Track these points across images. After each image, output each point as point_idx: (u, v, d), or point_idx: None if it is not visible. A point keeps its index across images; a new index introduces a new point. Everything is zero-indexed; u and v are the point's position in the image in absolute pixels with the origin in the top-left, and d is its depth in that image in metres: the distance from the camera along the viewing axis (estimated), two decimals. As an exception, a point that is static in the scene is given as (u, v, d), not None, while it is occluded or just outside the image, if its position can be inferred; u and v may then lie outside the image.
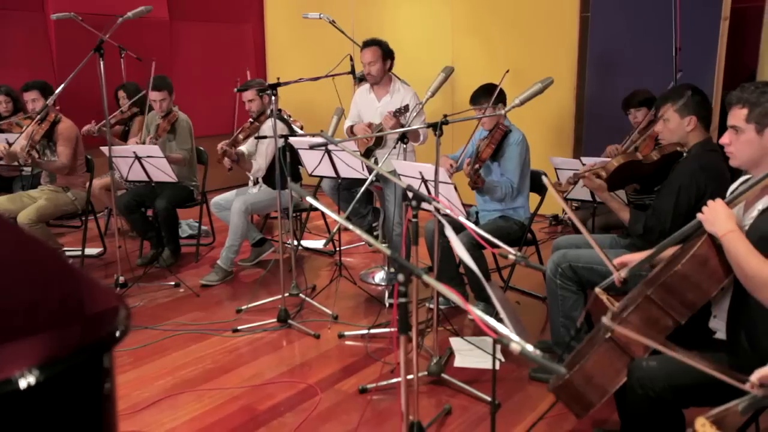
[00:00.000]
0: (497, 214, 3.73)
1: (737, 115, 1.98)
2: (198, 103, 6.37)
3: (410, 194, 2.20)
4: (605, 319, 1.94)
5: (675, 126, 2.78)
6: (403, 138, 3.20)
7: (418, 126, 2.96)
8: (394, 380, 2.93)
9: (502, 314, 1.62)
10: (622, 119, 4.36)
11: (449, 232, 1.67)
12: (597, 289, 2.24)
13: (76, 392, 0.91)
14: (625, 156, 2.93)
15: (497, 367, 3.12)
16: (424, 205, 2.23)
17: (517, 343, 1.46)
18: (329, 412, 2.74)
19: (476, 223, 3.82)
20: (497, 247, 2.21)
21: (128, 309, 1.00)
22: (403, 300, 1.71)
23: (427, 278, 1.62)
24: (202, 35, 7.09)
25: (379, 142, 4.21)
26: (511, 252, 2.15)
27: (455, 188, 3.13)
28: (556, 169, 4.02)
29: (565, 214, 5.03)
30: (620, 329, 1.73)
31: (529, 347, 1.45)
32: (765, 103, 1.93)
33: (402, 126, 3.77)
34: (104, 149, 3.94)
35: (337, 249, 4.38)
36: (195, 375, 3.06)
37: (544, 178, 2.70)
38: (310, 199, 1.82)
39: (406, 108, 3.93)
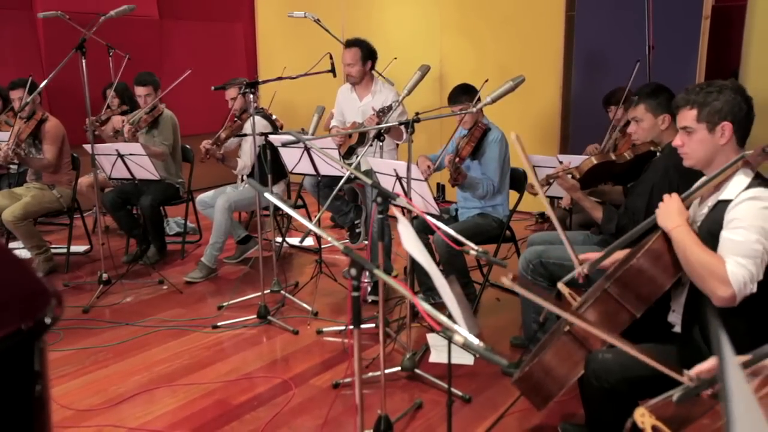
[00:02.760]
0: (476, 211, 3.76)
1: (687, 117, 2.02)
2: (188, 101, 6.40)
3: (374, 191, 2.24)
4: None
5: (649, 125, 2.82)
6: (379, 136, 3.23)
7: (391, 123, 2.99)
8: (368, 375, 2.96)
9: (450, 307, 1.64)
10: (608, 117, 4.39)
11: (401, 226, 1.70)
12: (559, 284, 2.27)
13: (6, 376, 0.94)
14: (599, 156, 2.97)
15: (470, 362, 3.16)
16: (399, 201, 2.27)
17: (460, 335, 1.50)
18: (302, 407, 2.77)
19: (455, 219, 3.86)
20: (461, 244, 2.25)
21: (60, 299, 1.03)
22: (355, 294, 1.74)
23: (377, 272, 1.66)
24: (193, 34, 7.12)
25: (362, 140, 4.25)
26: (473, 248, 2.19)
27: (428, 185, 3.16)
28: (533, 166, 4.04)
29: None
30: (571, 318, 1.75)
31: (473, 339, 1.49)
32: (712, 102, 1.96)
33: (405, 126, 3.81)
34: (87, 147, 3.97)
35: (321, 246, 4.41)
36: (172, 370, 3.09)
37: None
38: (268, 196, 1.86)
39: (390, 108, 3.96)
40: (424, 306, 1.54)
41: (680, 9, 4.84)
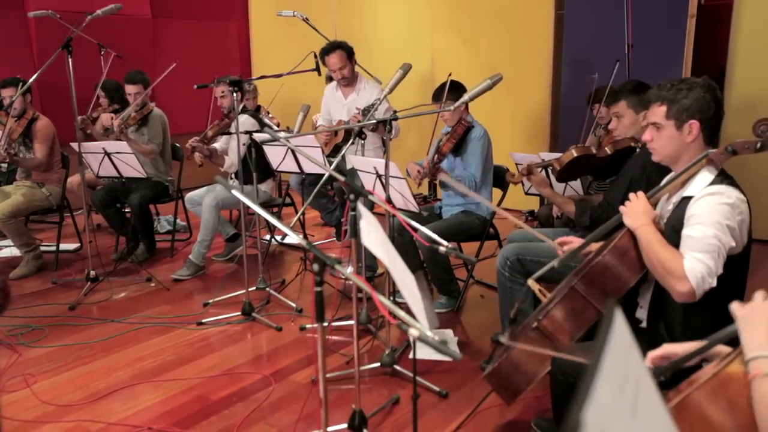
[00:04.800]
0: (460, 209, 3.78)
1: (657, 113, 2.04)
2: (180, 100, 6.43)
3: (346, 188, 2.26)
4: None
5: (629, 122, 2.85)
6: (360, 134, 3.26)
7: (368, 122, 3.01)
8: (347, 371, 2.99)
9: (408, 301, 1.67)
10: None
11: (364, 222, 1.73)
12: (530, 281, 2.29)
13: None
14: (580, 149, 2.99)
15: (450, 358, 3.18)
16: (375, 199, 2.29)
17: (416, 329, 1.52)
18: (280, 402, 2.80)
19: (439, 217, 3.88)
20: (434, 241, 2.28)
21: (6, 291, 1.06)
22: (318, 289, 1.77)
23: (339, 267, 1.68)
24: (186, 33, 7.14)
25: (348, 138, 4.27)
26: (443, 244, 2.21)
27: (407, 183, 3.18)
28: (516, 164, 4.07)
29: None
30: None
31: (429, 332, 1.52)
32: (682, 99, 1.98)
33: (381, 124, 3.83)
34: (74, 145, 3.99)
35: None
36: (154, 366, 3.12)
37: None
38: (236, 193, 1.88)
39: (373, 106, 3.98)
40: (381, 300, 1.56)
41: (666, 7, 4.86)
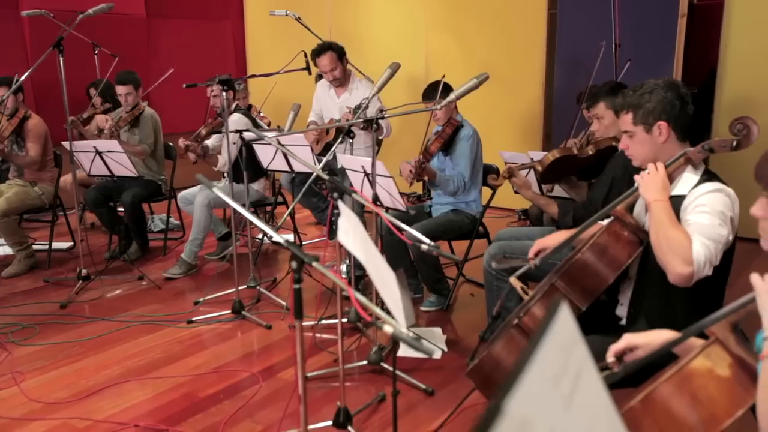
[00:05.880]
0: (449, 207, 3.79)
1: (625, 121, 2.06)
2: (175, 99, 6.43)
3: (329, 187, 2.27)
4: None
5: (609, 122, 2.87)
6: (349, 132, 3.27)
7: (354, 120, 3.03)
8: (334, 369, 3.00)
9: (384, 298, 1.68)
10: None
11: (341, 220, 1.74)
12: (511, 279, 2.31)
13: None
14: (561, 150, 3.01)
15: (438, 356, 3.21)
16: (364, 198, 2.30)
17: (390, 326, 1.53)
18: (267, 399, 2.81)
19: (429, 215, 3.89)
20: (418, 240, 2.29)
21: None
22: (297, 286, 1.78)
23: (316, 264, 1.69)
24: (180, 32, 7.15)
25: (339, 137, 4.28)
26: (425, 242, 2.22)
27: (394, 182, 3.20)
28: (505, 162, 4.08)
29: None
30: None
31: (403, 329, 1.53)
32: (645, 103, 2.00)
33: (368, 122, 3.84)
34: (65, 144, 4.01)
35: (303, 243, 4.46)
36: (142, 364, 3.13)
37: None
38: (216, 190, 1.89)
39: (365, 105, 3.99)
40: (357, 296, 1.58)
41: (657, 7, 4.87)
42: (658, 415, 1.20)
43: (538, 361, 0.61)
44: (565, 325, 0.74)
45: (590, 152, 2.95)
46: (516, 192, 4.37)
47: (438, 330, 3.51)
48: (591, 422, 0.66)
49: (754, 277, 1.24)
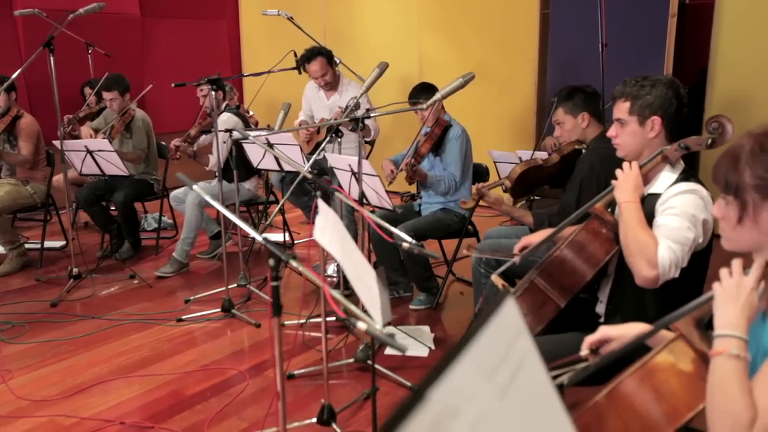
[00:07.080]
0: (438, 206, 3.81)
1: (621, 108, 2.07)
2: (170, 99, 6.44)
3: (311, 186, 2.29)
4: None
5: (571, 126, 2.91)
6: (337, 131, 3.28)
7: (340, 120, 3.04)
8: (320, 367, 3.01)
9: (360, 295, 1.70)
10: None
11: (319, 218, 1.75)
12: (493, 276, 2.32)
13: None
14: (525, 163, 3.05)
15: (425, 354, 3.22)
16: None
17: (364, 323, 1.55)
18: (253, 397, 2.83)
19: (419, 214, 3.91)
20: (400, 238, 2.30)
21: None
22: (275, 284, 1.79)
23: (293, 263, 1.71)
24: (175, 32, 7.15)
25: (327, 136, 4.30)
26: (407, 240, 2.23)
27: (381, 181, 3.21)
28: (494, 162, 4.10)
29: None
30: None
31: (377, 326, 1.55)
32: (645, 96, 2.02)
33: (354, 122, 3.86)
34: (57, 143, 4.02)
35: (295, 242, 4.47)
36: (131, 362, 3.15)
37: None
38: (196, 188, 1.91)
39: (357, 106, 4.01)
40: (332, 293, 1.59)
41: (648, 7, 4.89)
42: (623, 409, 1.22)
43: (473, 352, 0.62)
44: (509, 317, 0.76)
45: (555, 160, 2.99)
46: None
47: (426, 328, 3.52)
48: (526, 411, 0.68)
49: (723, 272, 1.26)
